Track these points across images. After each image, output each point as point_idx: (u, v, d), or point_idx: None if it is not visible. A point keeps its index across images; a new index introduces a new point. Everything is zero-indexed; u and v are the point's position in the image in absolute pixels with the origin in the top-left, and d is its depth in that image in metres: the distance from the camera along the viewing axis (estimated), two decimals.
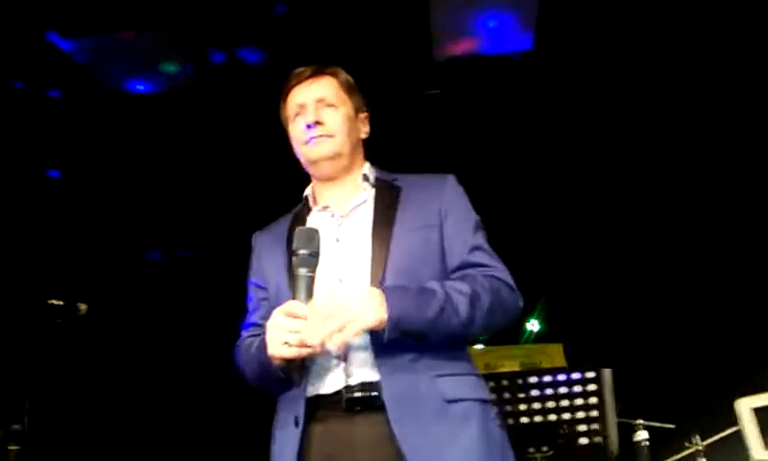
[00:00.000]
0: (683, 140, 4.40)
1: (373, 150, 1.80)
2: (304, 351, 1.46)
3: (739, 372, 3.19)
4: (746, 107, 4.24)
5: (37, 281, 3.75)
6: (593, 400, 2.82)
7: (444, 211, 1.64)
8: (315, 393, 1.55)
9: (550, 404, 2.82)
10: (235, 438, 4.31)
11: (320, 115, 1.69)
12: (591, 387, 2.83)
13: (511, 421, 2.87)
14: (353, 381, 1.52)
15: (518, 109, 4.41)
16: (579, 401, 2.81)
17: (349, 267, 1.59)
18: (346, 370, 1.53)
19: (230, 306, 1.87)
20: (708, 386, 3.68)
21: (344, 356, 1.53)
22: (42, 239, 4.15)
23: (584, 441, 2.82)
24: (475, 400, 1.54)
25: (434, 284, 1.53)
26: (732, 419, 2.78)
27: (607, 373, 2.89)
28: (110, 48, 3.96)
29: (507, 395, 2.91)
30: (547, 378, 2.82)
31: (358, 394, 1.51)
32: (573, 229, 4.58)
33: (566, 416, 2.82)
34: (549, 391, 2.82)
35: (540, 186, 4.55)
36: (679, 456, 3.20)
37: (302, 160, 1.76)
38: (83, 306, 3.18)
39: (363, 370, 1.53)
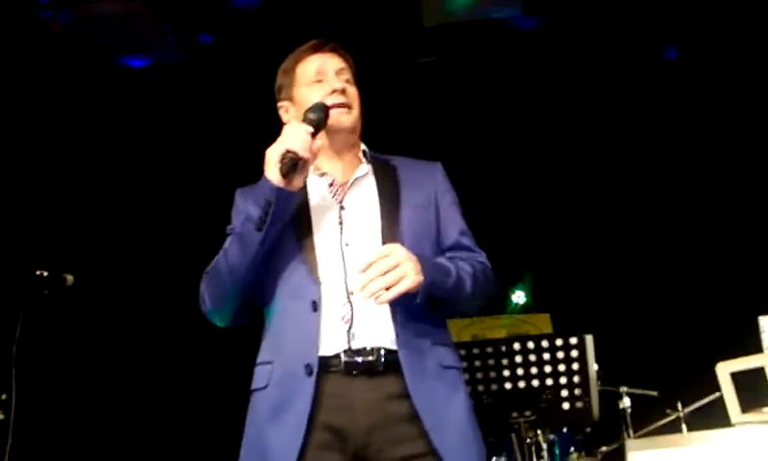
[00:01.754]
0: (664, 120, 4.42)
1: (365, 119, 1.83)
2: (308, 155, 1.57)
3: (722, 338, 3.22)
4: (734, 94, 4.25)
5: (24, 252, 3.74)
6: (576, 365, 2.85)
7: (439, 195, 1.75)
8: (319, 353, 1.56)
9: (533, 370, 2.85)
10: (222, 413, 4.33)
11: (344, 85, 1.73)
12: (574, 353, 2.86)
13: (495, 386, 2.91)
14: (355, 345, 1.56)
15: (506, 79, 4.39)
16: (562, 367, 2.84)
17: (357, 233, 1.65)
18: (349, 333, 1.57)
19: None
20: (691, 352, 3.71)
21: (350, 321, 1.57)
22: (29, 210, 4.13)
23: (566, 406, 2.85)
24: (459, 368, 1.67)
25: (444, 260, 1.67)
26: (715, 385, 2.81)
27: (589, 339, 2.92)
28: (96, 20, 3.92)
29: (491, 361, 2.93)
30: (530, 345, 2.85)
31: (358, 358, 1.55)
32: (558, 200, 4.59)
33: (549, 381, 2.85)
34: (533, 357, 2.85)
35: (526, 158, 4.55)
36: (661, 423, 3.24)
37: None
38: (69, 277, 3.18)
39: (366, 334, 1.57)
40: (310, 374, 1.53)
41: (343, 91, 1.71)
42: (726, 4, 4.06)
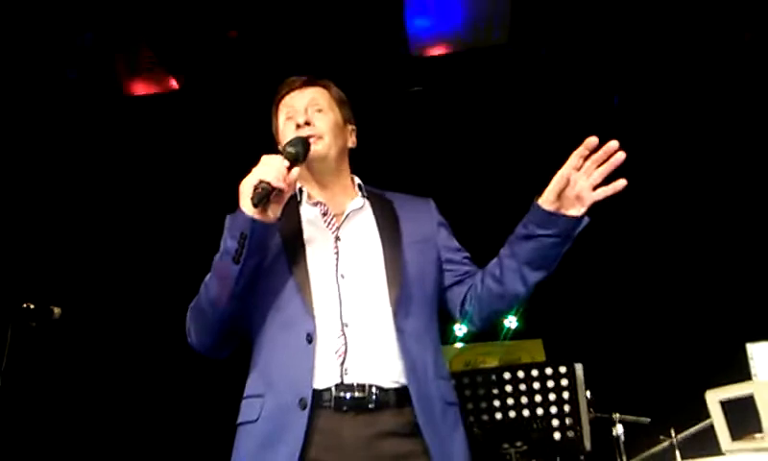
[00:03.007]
0: (648, 151, 4.45)
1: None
2: (282, 185, 1.56)
3: (713, 364, 3.20)
4: (721, 93, 4.26)
5: (10, 284, 3.71)
6: (566, 394, 2.83)
7: (435, 230, 1.77)
8: (313, 386, 1.54)
9: (524, 400, 2.83)
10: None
11: (310, 117, 1.74)
12: (564, 382, 2.84)
13: (485, 416, 2.88)
14: (347, 380, 1.53)
15: (493, 104, 4.41)
16: (552, 396, 2.82)
17: (354, 266, 1.63)
18: (342, 367, 1.54)
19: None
20: (683, 379, 3.70)
21: (342, 355, 1.55)
22: (16, 241, 4.11)
23: (557, 435, 2.82)
24: (458, 404, 1.65)
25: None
26: (707, 412, 2.79)
27: (578, 367, 2.90)
28: None
29: (481, 391, 2.91)
30: (521, 374, 2.83)
31: (349, 394, 1.52)
32: None
33: (540, 411, 2.83)
34: (523, 387, 2.83)
35: (516, 184, 4.55)
36: (654, 450, 3.22)
37: None
38: (57, 310, 3.15)
39: (359, 370, 1.54)
40: (304, 407, 1.50)
41: (307, 123, 1.73)
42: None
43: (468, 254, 1.79)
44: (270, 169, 1.55)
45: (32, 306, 3.08)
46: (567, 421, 2.82)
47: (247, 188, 1.55)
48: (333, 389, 1.52)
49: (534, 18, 4.17)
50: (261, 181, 1.54)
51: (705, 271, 4.26)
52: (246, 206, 1.55)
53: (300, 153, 1.64)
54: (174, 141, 4.46)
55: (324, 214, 1.71)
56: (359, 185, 1.79)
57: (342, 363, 1.54)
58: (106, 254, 4.41)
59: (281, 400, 1.53)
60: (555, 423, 2.82)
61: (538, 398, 2.83)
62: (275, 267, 1.62)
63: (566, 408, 2.80)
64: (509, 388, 2.87)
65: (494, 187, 4.56)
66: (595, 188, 1.56)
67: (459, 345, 4.37)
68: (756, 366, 2.60)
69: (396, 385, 1.54)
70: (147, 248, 4.47)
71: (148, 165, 4.49)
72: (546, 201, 1.58)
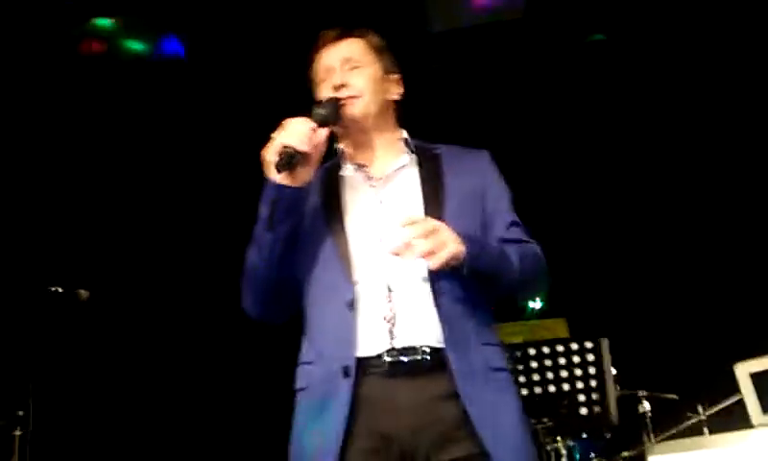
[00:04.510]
0: (675, 118, 4.37)
1: None
2: (306, 148, 1.53)
3: (740, 338, 3.16)
4: (731, 83, 4.20)
5: (38, 268, 3.76)
6: (592, 370, 2.81)
7: (486, 185, 1.68)
8: (357, 354, 1.52)
9: (549, 376, 2.82)
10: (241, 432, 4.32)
11: (345, 77, 1.67)
12: (590, 358, 2.82)
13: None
14: (398, 345, 1.51)
15: (514, 80, 4.36)
16: (578, 372, 2.80)
17: (394, 228, 1.58)
18: (391, 332, 1.52)
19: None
20: (710, 354, 3.65)
21: (392, 319, 1.52)
22: (42, 225, 4.16)
23: (584, 411, 2.81)
24: (508, 370, 1.61)
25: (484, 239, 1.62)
26: (735, 386, 2.76)
27: (604, 343, 2.87)
28: None
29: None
30: (546, 350, 2.81)
31: (403, 358, 1.50)
32: (572, 204, 4.54)
33: (566, 387, 2.81)
34: (548, 363, 2.81)
35: (539, 162, 4.52)
36: (682, 427, 3.19)
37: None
38: (83, 293, 3.19)
39: (410, 333, 1.51)
40: (347, 375, 1.49)
41: (342, 86, 1.65)
42: None
43: (513, 220, 1.67)
44: (292, 133, 1.52)
45: (59, 290, 3.13)
46: (594, 396, 2.81)
47: (270, 154, 1.53)
48: (385, 355, 1.50)
49: None
50: (284, 146, 1.51)
51: (733, 243, 4.18)
52: (270, 171, 1.54)
53: (329, 115, 1.59)
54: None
55: (365, 175, 1.67)
56: (405, 140, 1.72)
57: (392, 328, 1.51)
58: (133, 231, 4.44)
59: (327, 368, 1.52)
60: (581, 398, 2.80)
61: (564, 373, 2.81)
62: (314, 232, 1.60)
63: (593, 383, 2.79)
64: (534, 364, 2.86)
65: (519, 167, 4.51)
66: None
67: None
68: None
69: (438, 347, 1.51)
70: (174, 219, 4.48)
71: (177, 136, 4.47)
72: None
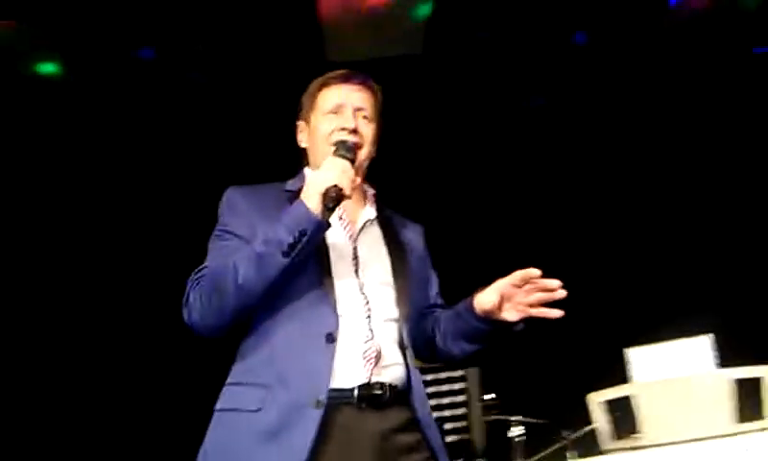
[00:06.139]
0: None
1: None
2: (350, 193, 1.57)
3: (602, 368, 3.35)
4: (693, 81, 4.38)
5: None
6: (461, 398, 2.90)
7: (425, 252, 1.83)
8: (331, 386, 1.55)
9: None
10: None
11: (357, 124, 1.71)
12: (459, 386, 2.92)
13: None
14: (372, 380, 1.57)
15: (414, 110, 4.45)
16: (446, 400, 2.89)
17: (370, 275, 1.66)
18: (372, 369, 1.57)
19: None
20: (579, 382, 3.85)
21: (370, 357, 1.58)
22: None
23: (451, 438, 2.90)
24: None
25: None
26: None
27: (473, 371, 2.98)
28: None
29: None
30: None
31: (375, 392, 1.56)
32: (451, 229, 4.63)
33: (434, 415, 2.89)
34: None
35: (428, 199, 4.58)
36: (548, 451, 3.34)
37: (319, 155, 1.72)
38: None
39: (384, 371, 1.59)
40: (318, 406, 1.51)
41: (354, 131, 1.70)
42: None
43: (438, 291, 1.85)
44: (344, 175, 1.55)
45: None
46: (461, 424, 2.90)
47: (319, 187, 1.53)
48: (357, 389, 1.55)
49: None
50: (336, 187, 1.53)
51: (593, 274, 4.39)
52: (313, 204, 1.53)
53: (353, 161, 1.63)
54: None
55: (341, 220, 1.70)
56: (374, 195, 1.80)
57: (369, 366, 1.57)
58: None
59: (294, 395, 1.52)
60: (448, 426, 2.89)
61: (432, 402, 2.90)
62: (300, 266, 1.60)
63: (460, 411, 2.88)
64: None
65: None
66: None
67: None
68: (634, 369, 2.75)
69: (401, 385, 1.63)
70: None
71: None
72: (481, 305, 1.64)
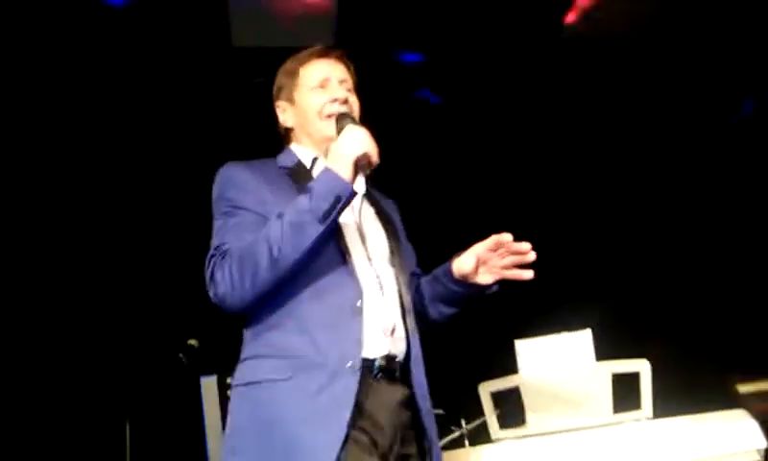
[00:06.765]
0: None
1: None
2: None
3: (493, 360, 3.44)
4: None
5: None
6: None
7: (401, 225, 1.85)
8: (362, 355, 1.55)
9: None
10: None
11: (346, 95, 1.72)
12: None
13: None
14: (391, 352, 1.58)
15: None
16: None
17: (374, 252, 1.67)
18: (390, 340, 1.58)
19: None
20: (474, 373, 3.95)
21: (388, 329, 1.59)
22: None
23: None
24: None
25: None
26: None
27: None
28: None
29: None
30: None
31: (390, 365, 1.57)
32: None
33: None
34: None
35: None
36: (445, 440, 3.41)
37: (313, 130, 1.73)
38: None
39: (396, 344, 1.60)
40: (354, 373, 1.51)
41: (345, 101, 1.71)
42: None
43: (416, 261, 1.88)
44: (372, 145, 1.56)
45: None
46: None
47: (351, 155, 1.54)
48: (379, 359, 1.56)
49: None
50: (367, 155, 1.55)
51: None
52: (346, 172, 1.54)
53: None
54: None
55: None
56: None
57: (389, 337, 1.58)
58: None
59: (329, 363, 1.52)
60: None
61: None
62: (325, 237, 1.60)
63: None
64: None
65: None
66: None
67: None
68: (521, 361, 2.84)
69: (403, 358, 1.63)
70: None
71: None
72: (459, 268, 1.68)
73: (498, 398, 2.84)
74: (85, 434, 3.81)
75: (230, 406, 1.60)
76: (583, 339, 2.80)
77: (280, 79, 1.80)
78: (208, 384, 3.41)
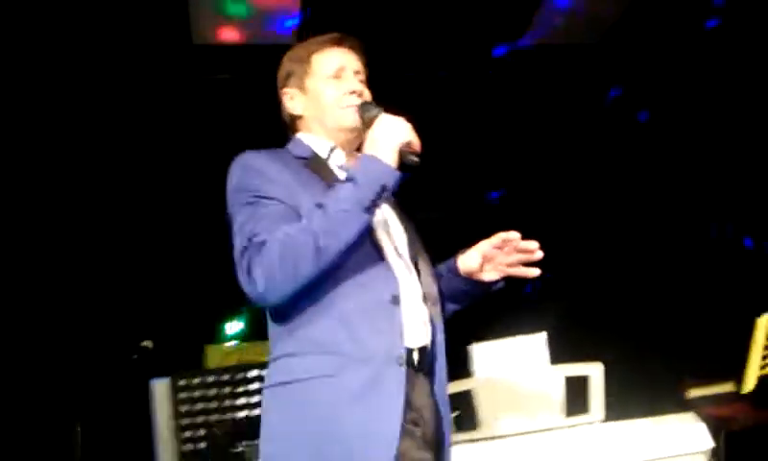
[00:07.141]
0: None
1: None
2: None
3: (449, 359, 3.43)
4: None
5: None
6: None
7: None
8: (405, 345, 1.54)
9: (256, 399, 2.85)
10: None
11: (361, 87, 1.70)
12: None
13: (228, 415, 2.86)
14: (427, 343, 1.58)
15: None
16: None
17: (399, 242, 1.66)
18: (429, 332, 1.59)
19: None
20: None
21: (425, 319, 1.59)
22: None
23: None
24: None
25: None
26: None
27: None
28: None
29: (226, 390, 2.89)
30: (254, 373, 2.85)
31: (427, 356, 1.58)
32: None
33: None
34: (257, 385, 2.85)
35: None
36: None
37: (330, 120, 1.68)
38: None
39: (426, 335, 1.58)
40: (401, 364, 1.50)
41: (361, 94, 1.68)
42: None
43: None
44: (413, 135, 1.55)
45: None
46: None
47: (394, 143, 1.53)
48: (417, 351, 1.56)
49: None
50: (410, 144, 1.54)
51: None
52: (391, 159, 1.52)
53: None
54: None
55: None
56: None
57: (427, 328, 1.59)
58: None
59: (373, 357, 1.49)
60: None
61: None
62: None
63: None
64: (253, 386, 2.88)
65: None
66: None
67: (231, 343, 4.30)
68: (475, 364, 2.83)
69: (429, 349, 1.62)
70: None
71: None
72: (465, 265, 1.69)
73: (451, 401, 2.81)
74: (35, 436, 3.73)
75: (264, 409, 1.55)
76: (537, 342, 2.80)
77: (289, 65, 1.75)
78: (160, 386, 3.33)
